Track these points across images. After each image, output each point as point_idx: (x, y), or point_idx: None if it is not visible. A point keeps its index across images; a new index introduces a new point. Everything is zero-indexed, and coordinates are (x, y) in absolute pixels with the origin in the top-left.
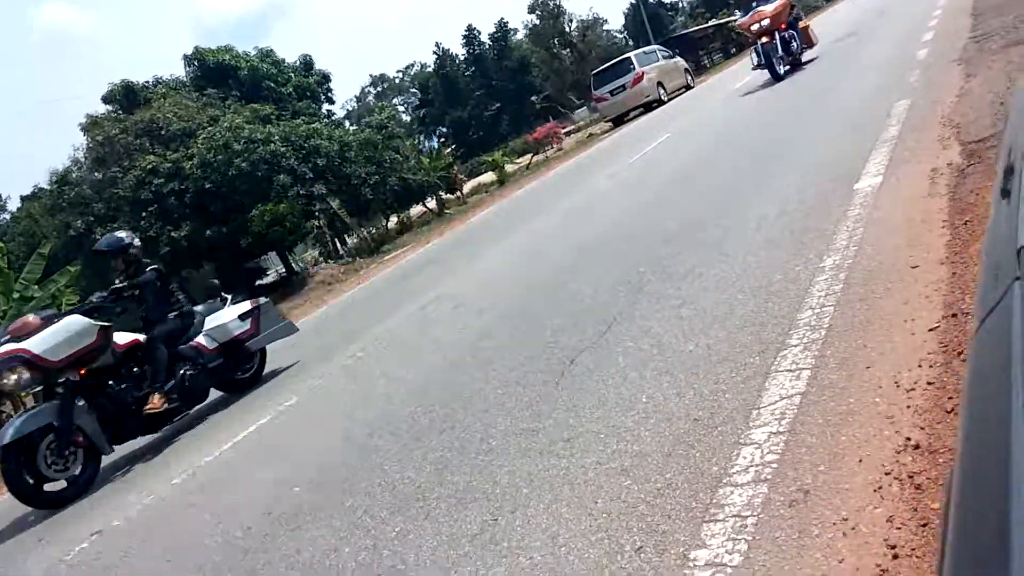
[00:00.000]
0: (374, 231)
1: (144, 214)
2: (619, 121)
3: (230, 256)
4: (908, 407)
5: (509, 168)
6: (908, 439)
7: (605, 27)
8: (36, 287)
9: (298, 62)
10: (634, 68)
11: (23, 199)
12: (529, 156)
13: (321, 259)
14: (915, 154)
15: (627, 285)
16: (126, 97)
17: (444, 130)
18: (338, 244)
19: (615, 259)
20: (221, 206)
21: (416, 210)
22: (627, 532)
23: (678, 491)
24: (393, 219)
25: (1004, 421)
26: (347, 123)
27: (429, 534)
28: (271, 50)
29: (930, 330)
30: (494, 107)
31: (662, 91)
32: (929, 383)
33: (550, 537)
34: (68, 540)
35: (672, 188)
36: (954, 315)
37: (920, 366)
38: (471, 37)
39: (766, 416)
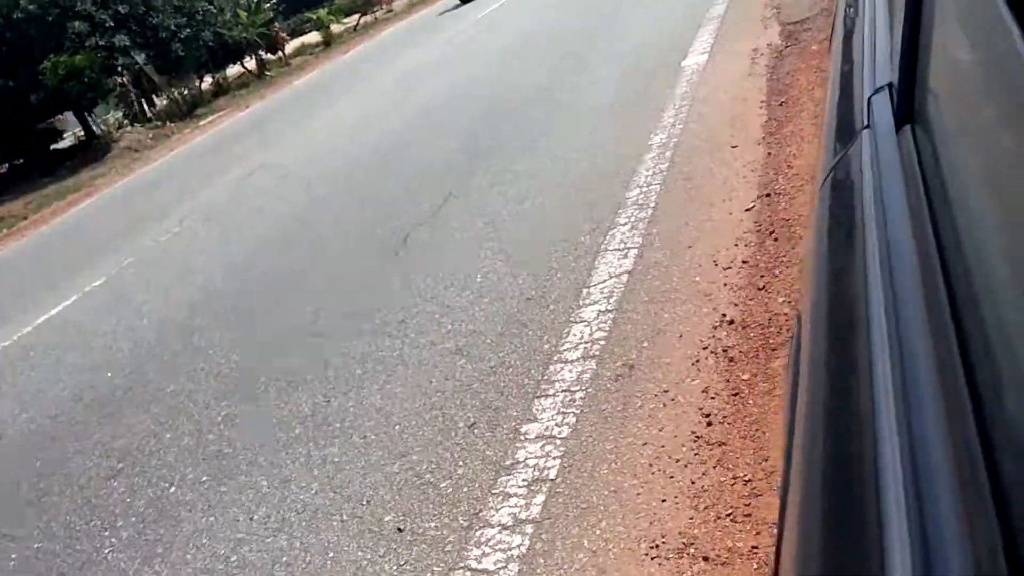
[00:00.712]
0: (186, 92)
1: None
2: None
3: (18, 114)
4: (724, 285)
5: (336, 28)
6: (724, 315)
7: None
8: None
9: None
10: None
11: None
12: (357, 16)
13: (126, 121)
14: (738, 34)
15: (464, 155)
16: None
17: None
18: (145, 106)
19: (452, 129)
20: (6, 52)
21: (234, 71)
22: (461, 409)
23: (511, 369)
24: (208, 80)
25: (851, 267)
26: None
27: (257, 418)
28: None
29: (746, 210)
30: None
31: None
32: (744, 262)
33: (384, 416)
34: None
35: (509, 60)
36: (768, 195)
37: (736, 245)
38: None
39: (596, 295)
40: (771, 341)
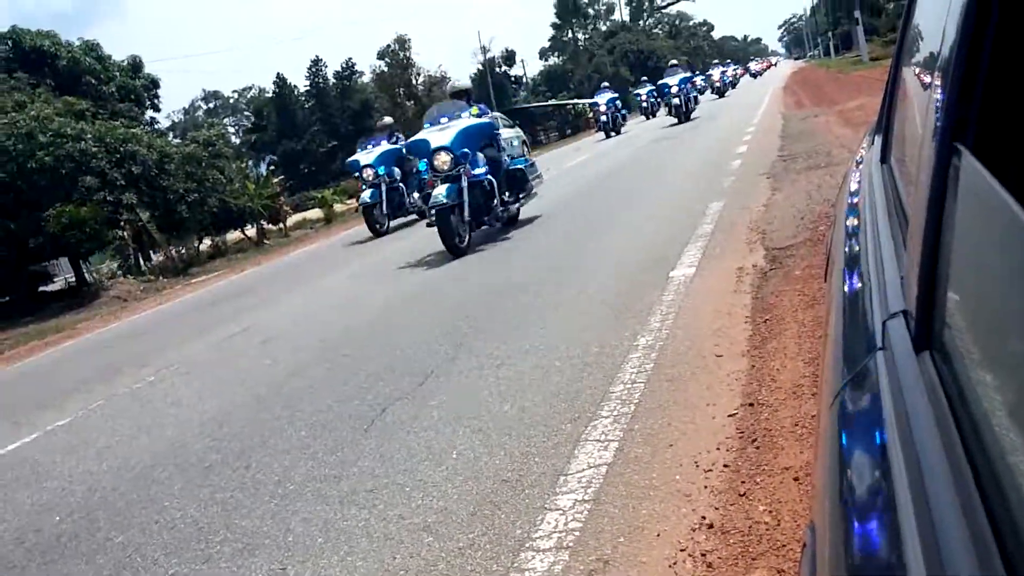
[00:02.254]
0: (184, 251)
1: None
2: None
3: (12, 254)
4: (705, 487)
5: (338, 208)
6: (703, 518)
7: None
8: None
9: (126, 62)
10: None
11: None
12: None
13: (120, 272)
14: (725, 252)
15: (448, 339)
16: None
17: (275, 158)
18: (142, 260)
19: (439, 311)
20: (13, 199)
21: (233, 236)
22: None
23: (480, 552)
24: (207, 242)
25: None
26: (171, 134)
27: None
28: (98, 44)
29: (729, 416)
30: (331, 144)
31: None
32: (725, 465)
33: None
34: None
35: (507, 262)
36: (751, 404)
37: (718, 449)
38: (316, 70)
39: (573, 483)
40: (751, 549)
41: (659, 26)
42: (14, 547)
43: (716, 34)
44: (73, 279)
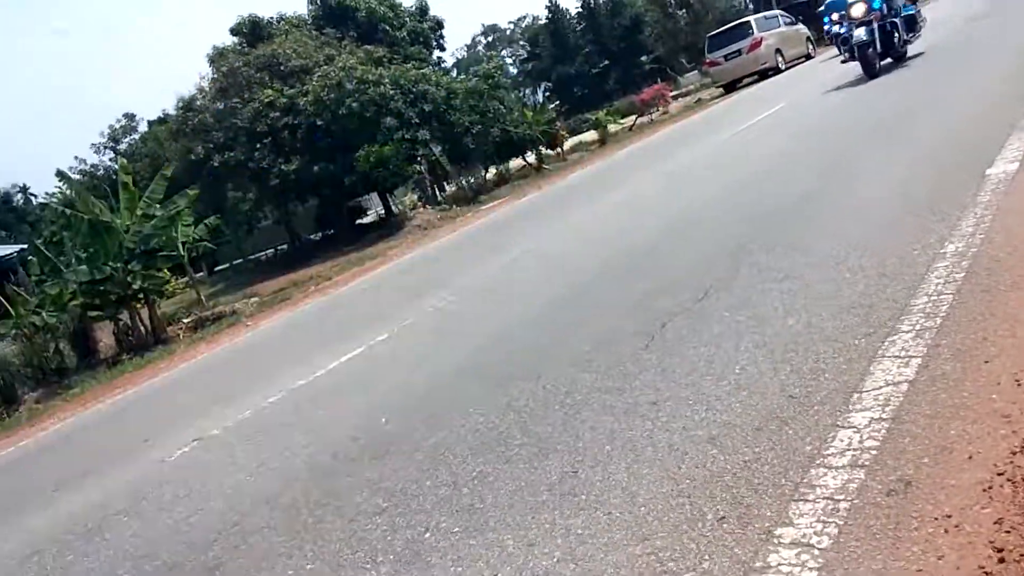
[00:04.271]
0: (472, 180)
1: (259, 145)
2: (731, 88)
3: (333, 193)
4: None
5: (612, 128)
6: None
7: None
8: (158, 206)
9: (414, 7)
10: (752, 32)
11: (150, 123)
12: (634, 117)
13: (420, 203)
14: None
15: (728, 253)
16: (252, 31)
17: (550, 85)
18: (437, 190)
19: (717, 227)
20: (329, 143)
21: (515, 163)
22: (710, 501)
23: (767, 466)
24: (492, 170)
25: None
26: (456, 71)
27: (508, 478)
28: None
29: None
30: (602, 64)
31: (780, 59)
32: None
33: (629, 496)
34: (172, 444)
35: (782, 161)
36: None
37: None
38: None
39: (868, 401)
40: None
41: None
42: (349, 443)
43: None
44: (383, 211)
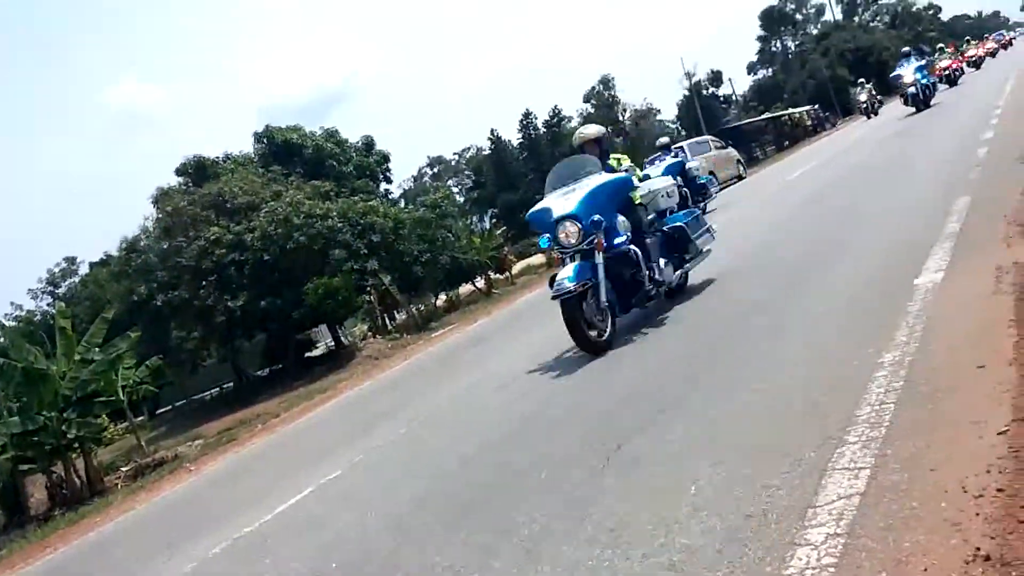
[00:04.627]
0: (423, 308)
1: (204, 283)
2: None
3: (281, 327)
4: (977, 514)
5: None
6: (977, 549)
7: (658, 117)
8: (97, 350)
9: (360, 142)
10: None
11: (91, 265)
12: None
13: (369, 333)
14: (978, 251)
15: (682, 376)
16: (197, 171)
17: (495, 211)
18: (387, 319)
19: (674, 343)
20: (277, 278)
21: (465, 289)
22: None
23: None
24: (442, 297)
25: None
26: (403, 202)
27: None
28: (336, 130)
29: (999, 433)
30: None
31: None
32: (999, 490)
33: None
34: None
35: (746, 261)
36: None
37: (989, 471)
38: (527, 123)
39: (823, 516)
40: None
41: (877, 18)
42: None
43: (944, 15)
44: (332, 343)
